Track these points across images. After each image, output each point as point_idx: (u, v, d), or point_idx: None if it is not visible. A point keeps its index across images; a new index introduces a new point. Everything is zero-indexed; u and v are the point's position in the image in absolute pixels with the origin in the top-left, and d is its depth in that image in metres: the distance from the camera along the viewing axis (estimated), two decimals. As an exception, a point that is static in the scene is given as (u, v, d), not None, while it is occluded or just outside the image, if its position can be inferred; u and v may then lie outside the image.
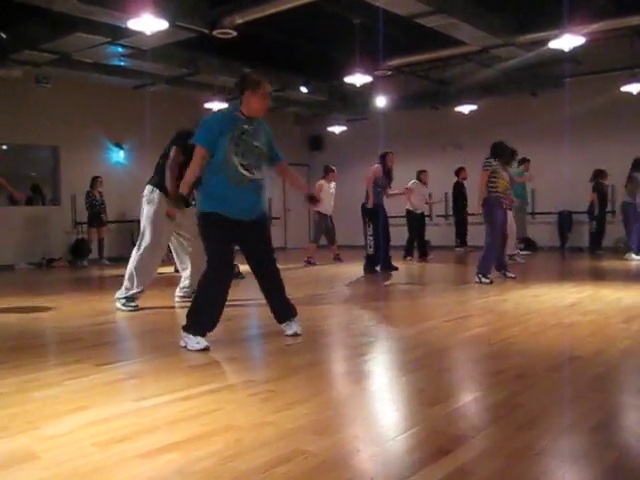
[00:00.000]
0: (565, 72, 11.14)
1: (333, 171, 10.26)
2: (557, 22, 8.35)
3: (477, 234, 9.52)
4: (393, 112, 13.05)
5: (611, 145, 11.42)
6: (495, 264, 7.05)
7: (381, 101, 12.35)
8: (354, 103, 13.66)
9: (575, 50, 9.13)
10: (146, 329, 4.69)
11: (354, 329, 4.52)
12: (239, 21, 8.37)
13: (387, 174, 8.47)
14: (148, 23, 7.34)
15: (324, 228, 10.22)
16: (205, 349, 3.51)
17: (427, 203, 11.19)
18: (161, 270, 5.60)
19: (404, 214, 10.51)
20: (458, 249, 12.38)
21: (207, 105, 10.50)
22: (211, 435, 2.19)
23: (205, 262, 3.74)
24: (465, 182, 12.04)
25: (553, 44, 8.67)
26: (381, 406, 2.67)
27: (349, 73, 10.08)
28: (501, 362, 3.25)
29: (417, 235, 10.48)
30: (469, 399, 2.67)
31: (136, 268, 5.21)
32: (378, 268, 8.39)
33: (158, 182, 5.20)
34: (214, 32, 8.50)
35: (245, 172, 3.65)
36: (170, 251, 5.95)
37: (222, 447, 2.08)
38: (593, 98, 11.17)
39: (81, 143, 11.72)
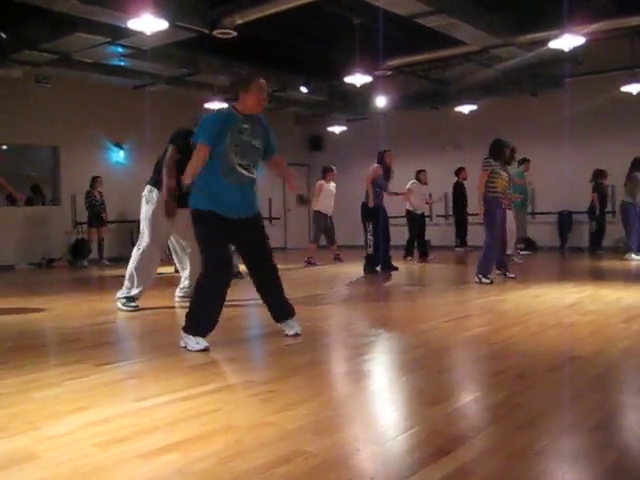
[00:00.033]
0: (565, 72, 11.15)
1: (332, 171, 10.26)
2: (557, 22, 8.36)
3: (477, 234, 9.51)
4: (393, 112, 13.05)
5: (611, 145, 11.42)
6: (496, 263, 7.05)
7: (381, 101, 12.35)
8: (354, 103, 13.67)
9: (575, 50, 9.14)
10: (146, 329, 4.69)
11: (354, 329, 4.52)
12: (239, 21, 8.37)
13: (386, 172, 8.45)
14: (148, 23, 7.35)
15: (324, 228, 10.22)
16: (205, 349, 3.51)
17: (427, 203, 11.18)
18: (161, 270, 5.60)
19: (404, 214, 10.52)
20: (458, 249, 12.39)
21: (207, 105, 10.49)
22: (211, 435, 2.19)
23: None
24: (465, 182, 12.05)
25: (553, 44, 8.67)
26: (381, 406, 2.67)
27: (349, 73, 10.08)
28: (501, 362, 3.25)
29: (417, 235, 10.48)
30: (469, 399, 2.67)
31: (136, 268, 5.22)
32: (378, 268, 8.40)
33: (156, 182, 5.20)
34: (214, 32, 8.51)
35: (244, 171, 3.65)
36: (170, 251, 5.95)
37: (222, 447, 2.08)
38: (593, 98, 11.17)
39: (81, 143, 11.73)
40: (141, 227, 5.32)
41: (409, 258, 10.43)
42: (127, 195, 11.31)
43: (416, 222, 10.44)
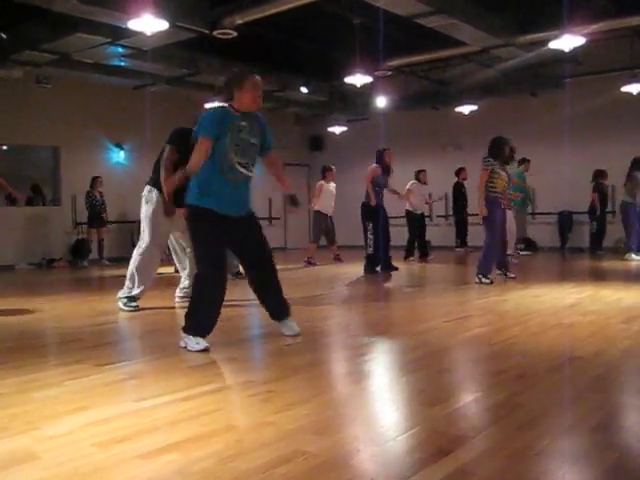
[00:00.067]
0: (565, 72, 11.15)
1: (332, 170, 10.25)
2: (557, 22, 8.36)
3: (477, 234, 9.51)
4: (393, 112, 13.05)
5: (611, 145, 11.42)
6: (496, 263, 7.05)
7: (381, 101, 12.36)
8: (354, 103, 13.67)
9: (575, 50, 9.14)
10: (146, 329, 4.69)
11: (354, 329, 4.52)
12: (239, 21, 8.37)
13: (385, 171, 8.42)
14: (148, 23, 7.35)
15: (324, 228, 10.21)
16: (205, 350, 3.50)
17: (427, 203, 11.18)
18: (161, 270, 5.60)
19: (404, 214, 10.51)
20: (458, 249, 12.39)
21: (207, 105, 10.48)
22: (211, 435, 2.19)
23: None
24: (465, 182, 12.06)
25: (553, 44, 8.68)
26: (381, 406, 2.67)
27: (349, 73, 10.08)
28: (501, 362, 3.25)
29: (418, 235, 10.47)
30: (469, 399, 2.66)
31: (137, 268, 5.23)
32: (378, 268, 8.39)
33: (156, 181, 5.21)
34: (214, 32, 8.51)
35: (243, 170, 3.63)
36: (170, 251, 5.95)
37: (222, 447, 2.08)
38: (593, 98, 11.17)
39: (81, 143, 11.73)
40: (141, 227, 5.34)
41: (411, 259, 10.43)
42: (127, 195, 11.31)
43: (416, 222, 10.45)
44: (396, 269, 8.54)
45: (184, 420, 2.37)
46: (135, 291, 5.24)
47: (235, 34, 8.59)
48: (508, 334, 3.94)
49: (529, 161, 11.16)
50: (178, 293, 5.76)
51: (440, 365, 3.30)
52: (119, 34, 8.55)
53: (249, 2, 8.14)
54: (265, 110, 3.84)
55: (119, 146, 12.38)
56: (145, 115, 10.38)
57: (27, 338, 4.29)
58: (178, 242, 5.62)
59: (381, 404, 2.70)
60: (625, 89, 10.63)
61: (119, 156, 12.46)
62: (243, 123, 3.64)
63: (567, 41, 8.44)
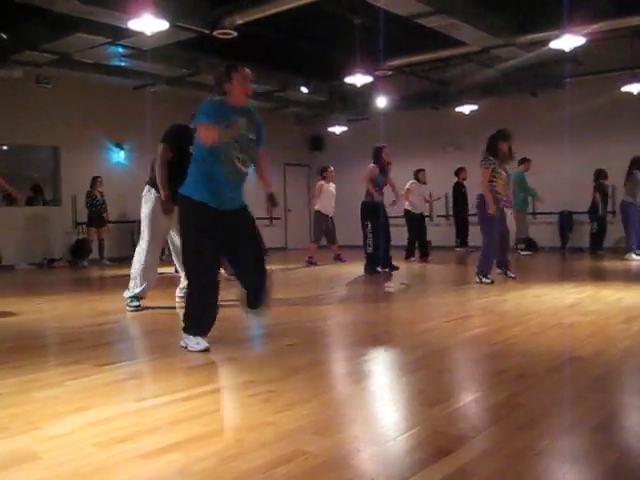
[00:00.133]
0: (565, 72, 11.15)
1: (330, 171, 10.23)
2: (557, 22, 8.36)
3: (478, 234, 9.51)
4: (394, 112, 13.05)
5: (611, 145, 11.42)
6: (497, 261, 7.04)
7: (382, 101, 12.36)
8: (354, 103, 13.67)
9: (575, 50, 9.14)
10: (146, 329, 4.69)
11: (354, 329, 4.52)
12: (239, 21, 8.38)
13: (383, 170, 8.35)
14: (148, 23, 7.35)
15: (324, 229, 10.21)
16: (205, 350, 3.50)
17: (427, 201, 11.16)
18: (161, 270, 5.60)
19: (403, 214, 10.49)
20: (458, 249, 12.39)
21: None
22: (212, 435, 2.20)
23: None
24: (465, 182, 12.05)
25: (553, 44, 8.68)
26: (381, 406, 2.67)
27: (349, 73, 10.09)
28: (501, 362, 3.25)
29: (417, 235, 10.45)
30: (470, 399, 2.67)
31: (138, 267, 5.25)
32: (379, 268, 8.38)
33: (154, 181, 5.23)
34: (214, 32, 8.51)
35: (241, 167, 3.59)
36: (170, 251, 5.96)
37: (223, 447, 2.08)
38: (593, 98, 11.17)
39: (81, 143, 11.73)
40: (141, 227, 5.36)
41: (412, 259, 10.41)
42: (127, 195, 11.31)
43: (415, 222, 10.43)
44: (396, 268, 8.54)
45: (185, 420, 2.37)
46: (137, 290, 5.26)
47: (235, 34, 8.59)
48: (508, 334, 3.95)
49: (529, 160, 11.18)
50: (178, 293, 5.77)
51: (440, 365, 3.30)
52: (119, 34, 8.55)
53: (249, 2, 8.14)
54: (265, 110, 3.79)
55: (119, 146, 12.37)
56: (145, 115, 10.37)
57: (27, 338, 4.29)
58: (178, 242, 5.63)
59: (381, 404, 2.70)
60: (625, 89, 10.64)
61: (119, 156, 12.46)
62: (243, 119, 3.61)
63: (567, 41, 8.45)
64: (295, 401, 2.57)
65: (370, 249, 8.33)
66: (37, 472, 1.91)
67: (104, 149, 12.29)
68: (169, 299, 5.79)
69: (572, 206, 11.99)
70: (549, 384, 2.86)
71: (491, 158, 6.76)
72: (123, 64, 10.57)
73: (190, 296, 3.66)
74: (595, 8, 8.49)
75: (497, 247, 6.92)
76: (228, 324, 4.27)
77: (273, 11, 8.10)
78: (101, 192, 11.32)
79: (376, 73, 10.82)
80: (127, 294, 5.32)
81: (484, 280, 6.66)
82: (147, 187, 5.33)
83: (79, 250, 11.39)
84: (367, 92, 12.27)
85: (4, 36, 8.89)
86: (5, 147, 12.15)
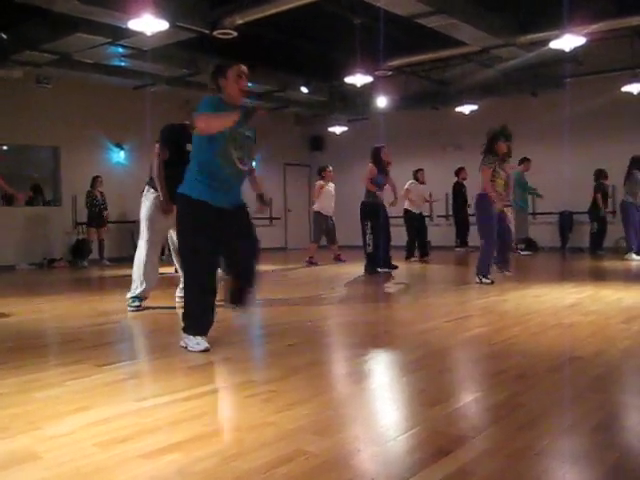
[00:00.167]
0: (565, 72, 11.15)
1: (329, 171, 10.22)
2: (557, 22, 8.37)
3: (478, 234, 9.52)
4: (394, 112, 13.06)
5: (611, 145, 11.42)
6: (496, 260, 7.02)
7: (382, 101, 12.37)
8: (355, 103, 13.68)
9: (576, 50, 9.15)
10: (147, 329, 4.70)
11: (354, 329, 4.52)
12: (239, 21, 8.38)
13: (382, 170, 8.34)
14: (148, 23, 7.36)
15: (324, 229, 10.21)
16: (205, 350, 3.50)
17: (427, 201, 11.16)
18: (161, 270, 5.61)
19: (402, 214, 10.48)
20: (458, 249, 12.39)
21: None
22: (212, 435, 2.20)
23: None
24: (465, 182, 12.05)
25: (554, 44, 8.69)
26: (382, 406, 2.67)
27: (349, 73, 10.09)
28: (502, 362, 3.25)
29: (417, 235, 10.44)
30: (470, 399, 2.67)
31: (139, 267, 5.27)
32: (380, 269, 8.37)
33: (153, 181, 5.24)
34: (214, 32, 8.52)
35: (240, 164, 3.57)
36: (170, 251, 5.97)
37: (223, 447, 2.08)
38: (593, 98, 11.17)
39: (81, 143, 11.73)
40: (140, 227, 5.37)
41: (412, 259, 10.40)
42: (127, 195, 11.33)
43: (415, 222, 10.42)
44: (395, 267, 8.53)
45: (185, 420, 2.37)
46: (138, 291, 5.27)
47: (235, 34, 8.59)
48: (508, 334, 3.95)
49: (529, 160, 11.18)
50: (178, 293, 5.76)
51: (440, 365, 3.30)
52: (119, 34, 8.55)
53: (249, 2, 8.15)
54: (266, 110, 3.73)
55: (119, 146, 12.38)
56: (145, 115, 10.36)
57: (27, 338, 4.29)
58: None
59: (381, 404, 2.70)
60: (625, 89, 10.64)
61: (119, 156, 12.46)
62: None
63: (567, 41, 8.45)
64: (295, 401, 2.57)
65: (370, 249, 8.32)
66: (38, 472, 1.92)
67: (104, 149, 12.29)
68: (169, 299, 5.79)
69: (572, 206, 11.99)
70: (549, 384, 2.86)
71: (489, 156, 6.75)
72: (123, 64, 10.57)
73: (189, 296, 3.65)
74: (595, 8, 8.50)
75: (495, 246, 6.91)
76: (228, 324, 4.27)
77: (273, 11, 8.11)
78: (101, 192, 11.32)
79: (376, 73, 10.83)
80: (129, 295, 5.33)
81: (484, 280, 6.66)
82: (147, 187, 5.35)
83: (79, 250, 11.40)
84: (367, 92, 12.28)
85: (4, 36, 8.89)
86: (5, 147, 12.15)
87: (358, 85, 10.39)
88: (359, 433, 2.26)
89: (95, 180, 11.29)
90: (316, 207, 10.19)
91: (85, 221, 11.44)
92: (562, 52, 9.04)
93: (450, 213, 13.32)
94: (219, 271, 3.83)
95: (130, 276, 5.42)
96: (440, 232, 13.43)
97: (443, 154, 13.62)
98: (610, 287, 6.34)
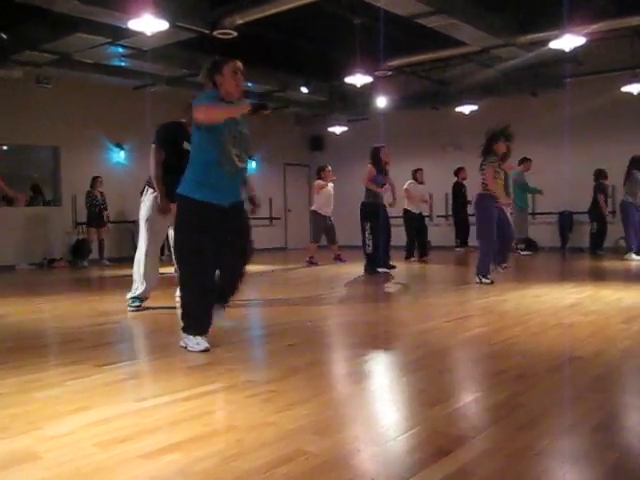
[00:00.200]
0: (565, 72, 11.15)
1: (328, 170, 10.22)
2: (557, 22, 8.37)
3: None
4: (394, 112, 13.05)
5: (611, 145, 11.42)
6: (496, 257, 7.01)
7: (382, 101, 12.37)
8: (355, 103, 13.68)
9: (576, 50, 9.15)
10: (146, 329, 4.70)
11: (354, 329, 4.52)
12: (239, 21, 8.38)
13: (381, 171, 8.33)
14: (148, 23, 7.36)
15: (323, 228, 10.20)
16: (205, 350, 3.50)
17: (425, 201, 11.15)
18: (161, 270, 5.61)
19: (402, 214, 10.47)
20: (458, 249, 12.39)
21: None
22: (212, 435, 2.20)
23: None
24: (465, 182, 12.05)
25: (554, 44, 8.69)
26: (382, 406, 2.67)
27: (349, 73, 10.09)
28: (502, 362, 3.26)
29: (415, 235, 10.43)
30: (470, 399, 2.67)
31: (139, 267, 5.27)
32: (380, 269, 8.37)
33: (150, 181, 5.25)
34: (214, 32, 8.51)
35: (238, 162, 3.56)
36: (170, 251, 5.97)
37: (223, 447, 2.08)
38: (593, 98, 11.17)
39: (81, 144, 11.73)
40: (140, 227, 5.38)
41: (412, 259, 10.40)
42: (127, 195, 11.32)
43: (414, 222, 10.42)
44: (393, 267, 8.52)
45: (185, 420, 2.37)
46: (139, 291, 5.27)
47: (235, 34, 8.59)
48: (508, 334, 3.95)
49: (530, 160, 11.18)
50: (178, 293, 5.77)
51: (440, 365, 3.30)
52: (119, 34, 8.55)
53: (249, 2, 8.15)
54: (271, 109, 3.71)
55: (119, 146, 12.38)
56: (145, 115, 10.35)
57: (27, 338, 4.29)
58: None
59: (381, 404, 2.70)
60: (625, 89, 10.64)
61: (119, 156, 12.46)
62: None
63: (567, 41, 8.45)
64: (295, 401, 2.57)
65: (369, 249, 8.32)
66: (38, 472, 1.92)
67: (104, 149, 12.29)
68: (169, 299, 5.79)
69: (572, 206, 11.99)
70: (549, 384, 2.87)
71: (493, 157, 6.73)
72: (123, 64, 10.57)
73: (189, 296, 3.64)
74: (595, 8, 8.50)
75: (495, 245, 6.89)
76: (227, 324, 4.27)
77: (273, 11, 8.11)
78: (101, 192, 11.32)
79: (376, 73, 10.83)
80: (129, 295, 5.33)
81: (484, 280, 6.66)
82: (146, 187, 5.35)
83: (79, 250, 11.40)
84: (367, 92, 12.27)
85: (4, 36, 8.89)
86: (5, 147, 12.16)
87: (358, 85, 10.39)
88: (359, 433, 2.26)
89: (95, 180, 11.29)
90: (314, 207, 10.20)
91: (85, 221, 11.44)
92: (562, 52, 9.04)
93: (450, 213, 13.32)
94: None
95: (130, 276, 5.42)
96: (440, 232, 13.43)
97: (443, 154, 13.62)
98: (610, 287, 6.34)
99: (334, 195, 10.20)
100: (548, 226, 12.53)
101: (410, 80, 12.74)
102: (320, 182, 10.12)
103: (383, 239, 8.32)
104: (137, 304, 5.25)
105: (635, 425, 2.38)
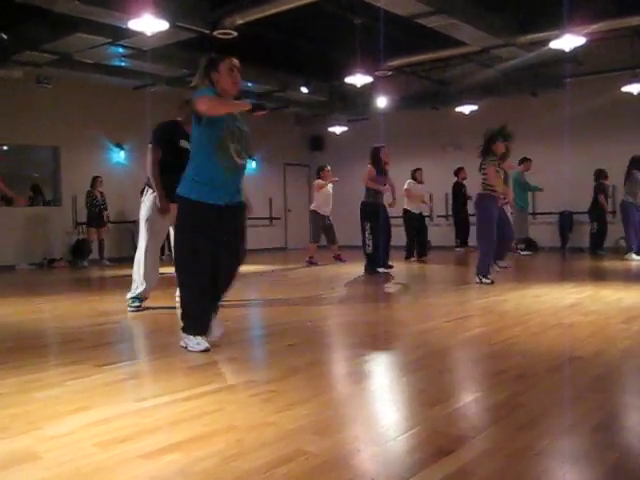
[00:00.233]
0: (566, 72, 11.15)
1: (328, 170, 10.21)
2: (557, 22, 8.37)
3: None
4: (394, 112, 13.06)
5: (611, 145, 11.42)
6: (496, 255, 7.01)
7: (382, 101, 12.37)
8: (355, 103, 13.68)
9: (576, 50, 9.15)
10: (146, 329, 4.70)
11: (354, 329, 4.52)
12: (239, 21, 8.38)
13: (381, 171, 8.33)
14: (149, 24, 7.36)
15: (322, 227, 10.19)
16: (205, 350, 3.50)
17: (424, 202, 11.13)
18: (161, 270, 5.61)
19: (402, 214, 10.47)
20: (458, 249, 12.39)
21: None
22: (212, 435, 2.20)
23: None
24: (465, 182, 12.05)
25: (554, 44, 8.69)
26: (382, 406, 2.67)
27: (350, 73, 10.09)
28: (502, 362, 3.26)
29: (415, 234, 10.43)
30: (470, 399, 2.67)
31: (139, 267, 5.27)
32: (380, 269, 8.37)
33: (149, 182, 5.25)
34: (215, 32, 8.52)
35: (237, 158, 3.54)
36: (170, 251, 5.97)
37: (223, 447, 2.08)
38: (593, 98, 11.18)
39: (82, 144, 11.74)
40: (140, 227, 5.38)
41: (412, 259, 10.40)
42: (127, 195, 11.33)
43: (414, 222, 10.42)
44: (391, 267, 8.50)
45: (185, 420, 2.37)
46: (138, 291, 5.27)
47: (235, 34, 8.59)
48: (508, 334, 3.95)
49: (530, 160, 11.18)
50: (178, 293, 5.77)
51: (440, 365, 3.30)
52: (119, 34, 8.55)
53: (249, 2, 8.15)
54: (269, 110, 3.71)
55: (119, 146, 12.38)
56: (145, 115, 10.34)
57: (27, 338, 4.29)
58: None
59: (381, 404, 2.70)
60: (625, 89, 10.64)
61: (119, 156, 12.46)
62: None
63: (567, 41, 8.45)
64: (295, 401, 2.57)
65: (369, 249, 8.32)
66: (38, 472, 1.92)
67: (104, 149, 12.30)
68: (169, 299, 5.79)
69: (572, 206, 11.99)
70: (549, 384, 2.87)
71: (493, 157, 6.72)
72: (123, 64, 10.57)
73: (188, 296, 3.64)
74: (595, 8, 8.50)
75: (494, 245, 6.89)
76: (228, 324, 4.27)
77: (273, 11, 8.11)
78: (101, 192, 11.32)
79: (376, 73, 10.83)
80: (129, 295, 5.33)
81: (484, 280, 6.66)
82: (146, 188, 5.36)
83: (79, 250, 11.40)
84: (367, 92, 12.28)
85: (4, 36, 8.89)
86: (5, 147, 12.16)
87: (358, 85, 10.39)
88: (359, 433, 2.26)
89: (95, 180, 11.29)
90: (312, 206, 10.20)
91: (85, 221, 11.44)
92: (562, 52, 9.05)
93: (450, 213, 13.32)
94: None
95: (130, 276, 5.42)
96: (440, 232, 13.43)
97: (443, 154, 13.62)
98: (610, 287, 6.34)
99: (333, 195, 10.20)
100: (548, 226, 12.53)
101: (410, 80, 12.74)
102: (320, 181, 10.11)
103: (383, 239, 8.32)
104: (137, 304, 5.26)
105: (635, 425, 2.38)
